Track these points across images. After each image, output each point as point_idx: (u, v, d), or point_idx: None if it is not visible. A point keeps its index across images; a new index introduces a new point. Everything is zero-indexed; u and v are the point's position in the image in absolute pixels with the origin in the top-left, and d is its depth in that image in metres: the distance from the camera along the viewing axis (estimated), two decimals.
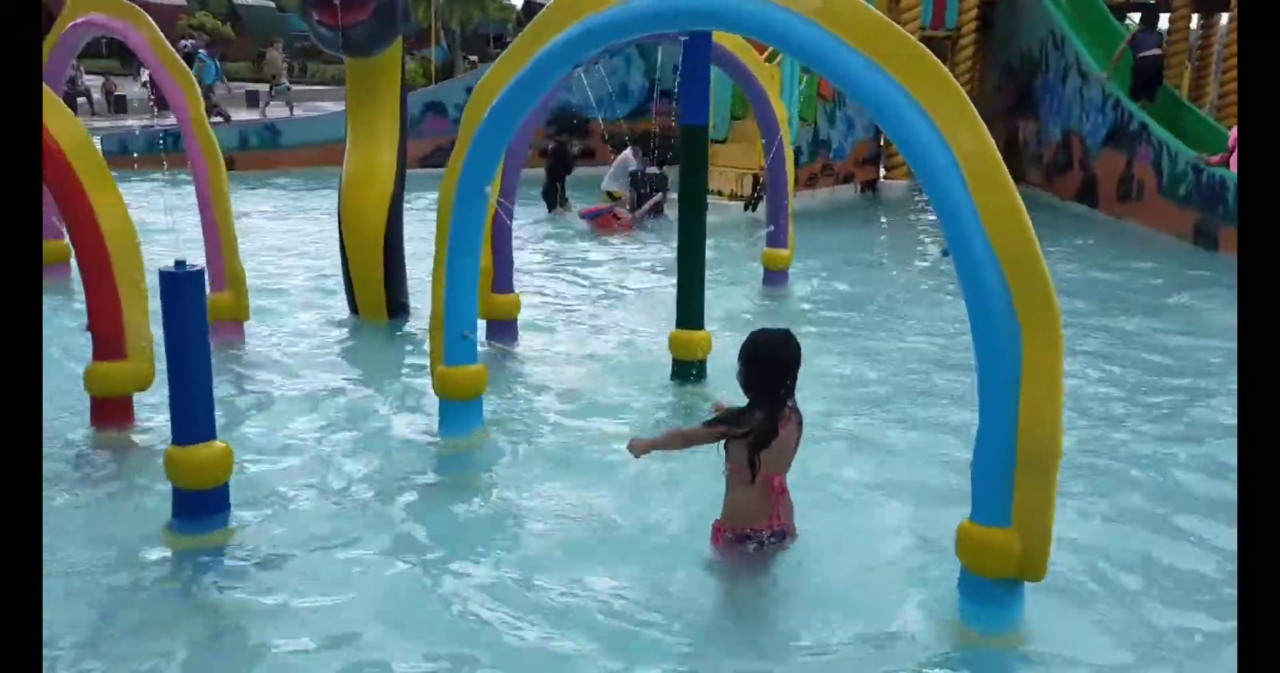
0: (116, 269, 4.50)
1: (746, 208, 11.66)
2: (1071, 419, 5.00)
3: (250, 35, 58.76)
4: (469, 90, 15.35)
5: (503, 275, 6.25)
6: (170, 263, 3.50)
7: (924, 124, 3.01)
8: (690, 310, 5.30)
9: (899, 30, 3.07)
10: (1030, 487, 2.98)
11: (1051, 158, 13.62)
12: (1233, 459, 4.63)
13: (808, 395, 3.84)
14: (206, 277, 3.56)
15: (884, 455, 4.56)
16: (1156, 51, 12.46)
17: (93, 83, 24.43)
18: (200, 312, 3.55)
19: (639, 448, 3.54)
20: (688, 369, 5.41)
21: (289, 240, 9.79)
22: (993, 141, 2.97)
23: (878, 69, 3.04)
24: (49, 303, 7.11)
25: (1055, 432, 2.92)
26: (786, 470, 3.44)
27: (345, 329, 6.63)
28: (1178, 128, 11.83)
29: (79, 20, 6.68)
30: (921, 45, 3.06)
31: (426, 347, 5.12)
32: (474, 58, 40.31)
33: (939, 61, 3.04)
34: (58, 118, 4.42)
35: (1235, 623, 3.22)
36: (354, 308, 6.79)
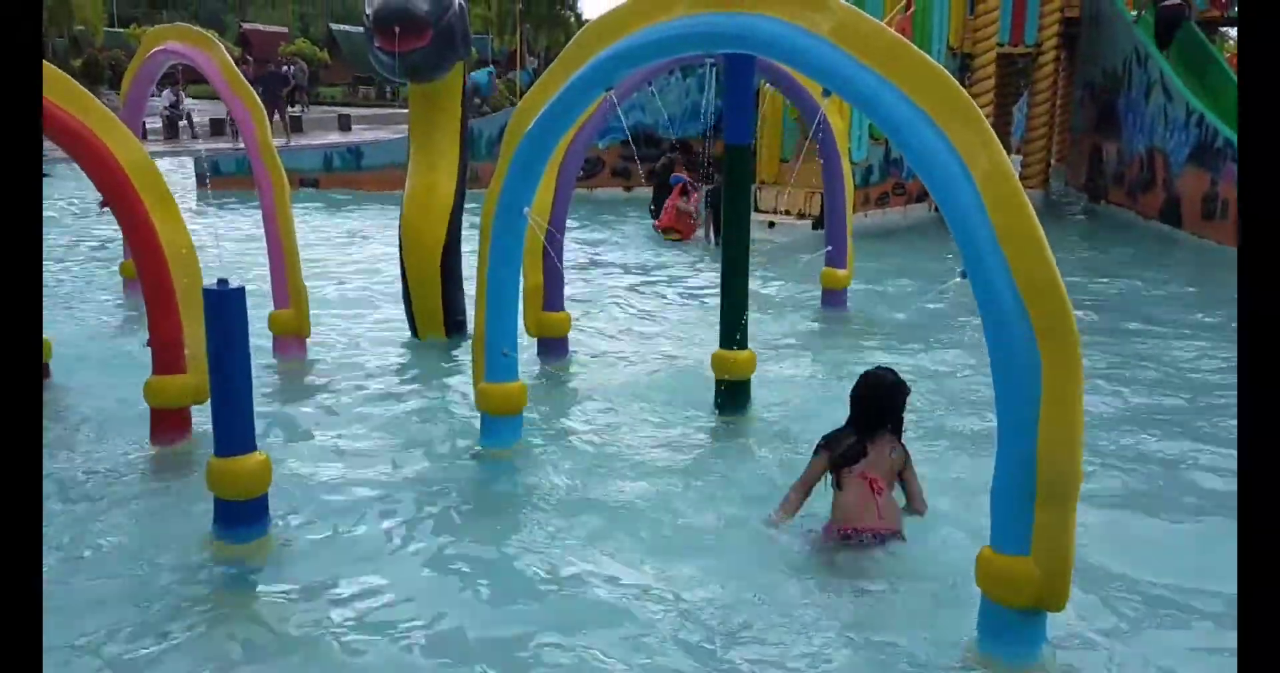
0: (177, 286, 4.69)
1: (815, 227, 11.59)
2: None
3: (346, 60, 60.65)
4: None
5: (554, 293, 6.34)
6: (214, 281, 3.65)
7: (940, 142, 2.98)
8: (733, 329, 5.30)
9: (916, 51, 3.05)
10: (1049, 515, 2.91)
11: (1135, 176, 13.23)
12: None
13: None
14: (245, 294, 3.66)
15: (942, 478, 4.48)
16: (1178, 2, 13.21)
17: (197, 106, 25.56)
18: (242, 328, 3.68)
19: (779, 520, 3.89)
20: (733, 389, 5.39)
21: (359, 259, 10.06)
22: (1008, 160, 2.93)
23: (894, 89, 3.02)
24: (123, 317, 7.48)
25: (1074, 460, 2.84)
26: (887, 479, 3.80)
27: (403, 346, 6.79)
28: (1216, 100, 11.97)
29: (157, 49, 7.02)
30: (939, 66, 3.04)
31: None
32: None
33: (956, 83, 3.01)
34: (121, 142, 4.64)
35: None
36: (413, 327, 6.94)
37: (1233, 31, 19.98)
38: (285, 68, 30.03)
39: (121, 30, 48.50)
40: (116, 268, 8.50)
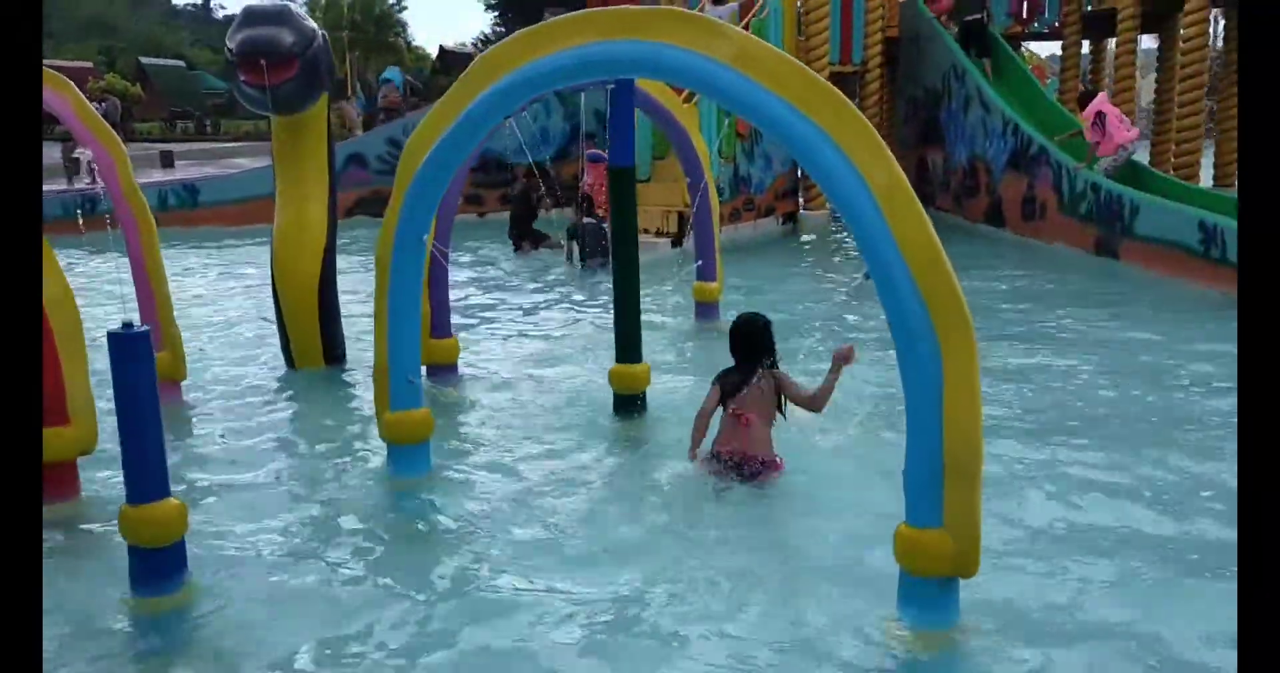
0: (57, 335, 4.51)
1: (674, 244, 11.93)
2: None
3: (160, 95, 57.96)
4: (389, 141, 15.53)
5: (440, 320, 6.36)
6: (118, 324, 3.56)
7: (840, 160, 3.23)
8: (629, 345, 5.47)
9: (812, 74, 3.31)
10: (958, 489, 3.19)
11: (959, 183, 14.20)
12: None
13: None
14: (150, 336, 3.59)
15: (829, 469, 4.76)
16: (979, 16, 14.44)
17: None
18: (150, 371, 3.60)
19: (692, 454, 4.68)
20: (630, 402, 5.56)
21: (213, 297, 9.75)
22: (903, 174, 3.21)
23: (795, 111, 3.27)
24: None
25: (976, 437, 3.13)
26: (760, 416, 4.55)
27: (283, 381, 6.66)
28: (1029, 109, 13.14)
29: None
30: (833, 87, 3.30)
31: (369, 392, 5.21)
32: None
33: (850, 102, 3.28)
34: None
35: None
36: (290, 360, 6.81)
37: (1034, 45, 21.63)
38: (98, 104, 28.54)
39: None
40: None
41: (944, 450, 3.18)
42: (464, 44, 52.06)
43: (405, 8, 40.11)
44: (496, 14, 52.57)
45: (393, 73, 24.34)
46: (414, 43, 42.99)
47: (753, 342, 4.63)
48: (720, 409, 4.65)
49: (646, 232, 12.10)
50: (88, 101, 6.05)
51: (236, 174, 17.24)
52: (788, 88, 3.25)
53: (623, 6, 3.58)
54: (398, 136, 15.33)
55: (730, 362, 4.72)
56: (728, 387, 4.61)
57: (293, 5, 6.46)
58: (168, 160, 26.71)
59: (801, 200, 15.10)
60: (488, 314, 8.91)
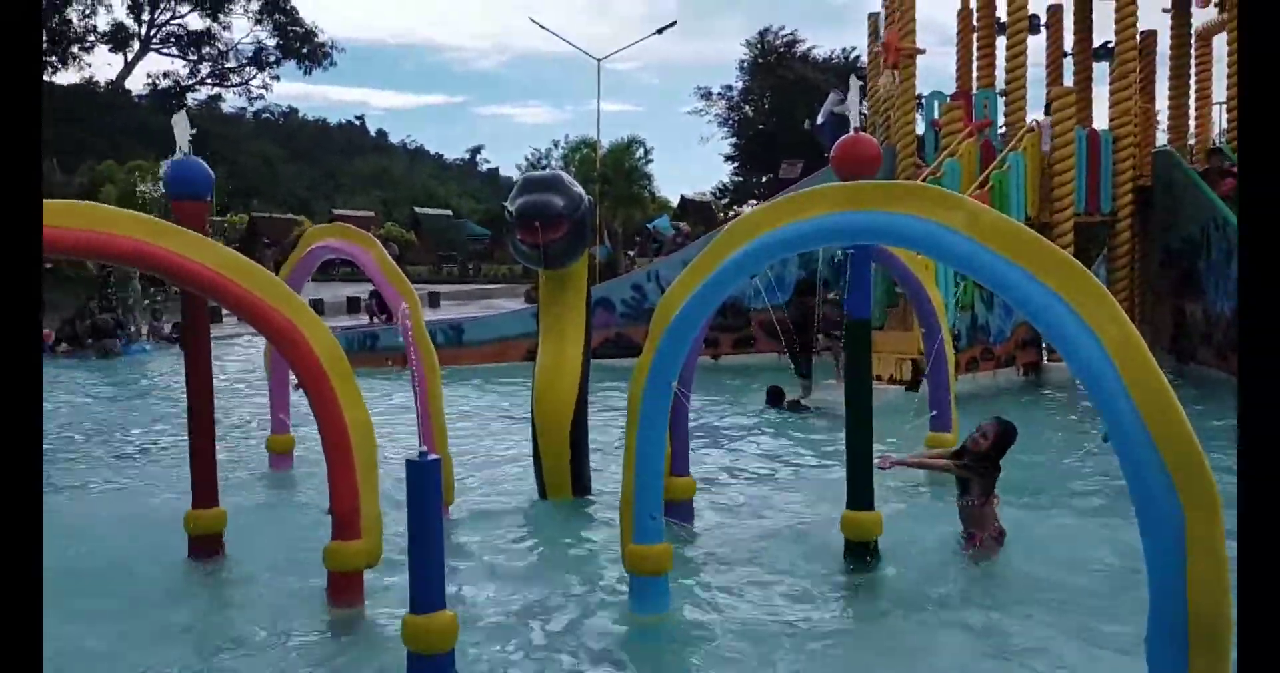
0: (358, 459, 5.20)
1: (909, 389, 11.91)
2: None
3: (429, 240, 63.69)
4: (634, 287, 16.42)
5: (680, 458, 6.73)
6: (415, 453, 4.13)
7: (1072, 319, 3.39)
8: (860, 491, 5.60)
9: (1042, 240, 3.52)
10: (1205, 660, 3.12)
11: (1223, 336, 13.40)
12: None
13: None
14: (440, 465, 4.14)
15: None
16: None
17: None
18: (437, 496, 4.13)
19: (887, 463, 5.80)
20: (861, 549, 5.65)
21: (474, 428, 10.62)
22: (1136, 330, 3.32)
23: (1027, 274, 3.48)
24: (282, 492, 8.02)
25: (1224, 603, 3.08)
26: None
27: (535, 509, 7.19)
28: None
29: (318, 244, 7.87)
30: (1063, 252, 3.50)
31: (609, 524, 5.61)
32: (632, 253, 42.72)
33: (1080, 264, 3.46)
34: (316, 333, 5.25)
35: None
36: (541, 490, 7.36)
37: None
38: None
39: (219, 218, 52.11)
40: (262, 443, 9.09)
41: (1189, 617, 3.14)
42: (703, 193, 54.68)
43: (651, 160, 42.69)
44: (735, 164, 55.09)
45: (662, 221, 26.18)
46: (659, 194, 45.51)
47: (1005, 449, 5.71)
48: (977, 497, 5.71)
49: (879, 378, 12.18)
50: (388, 255, 7.04)
51: (496, 316, 18.78)
52: (1021, 254, 3.47)
53: (859, 182, 3.96)
54: (641, 282, 16.32)
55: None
56: (990, 480, 5.71)
57: (564, 174, 7.30)
58: (435, 300, 29.38)
59: (1045, 351, 14.67)
60: (721, 453, 9.21)
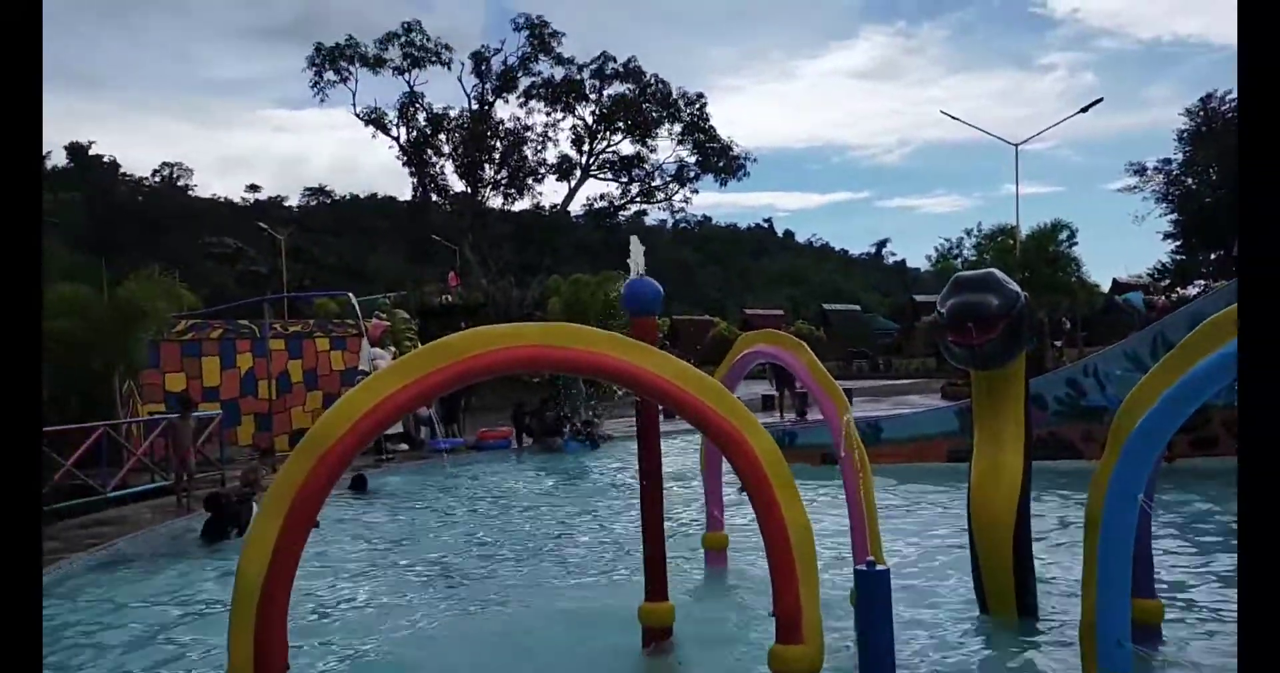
0: (798, 561, 5.29)
1: None
2: None
3: (838, 335, 64.32)
4: (1069, 382, 15.26)
5: (1143, 578, 6.08)
6: (864, 564, 4.15)
7: None
8: None
9: None
10: None
11: None
12: None
13: None
14: (890, 575, 4.11)
15: None
16: None
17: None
18: (887, 604, 4.10)
19: None
20: None
21: (905, 531, 10.35)
22: None
23: None
24: (717, 587, 8.31)
25: None
26: None
27: (975, 627, 6.82)
28: None
29: (750, 350, 8.26)
30: None
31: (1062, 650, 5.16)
32: (1058, 343, 40.02)
33: None
34: (756, 435, 5.48)
35: None
36: (982, 604, 6.98)
37: None
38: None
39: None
40: (698, 540, 9.52)
41: None
42: (1139, 276, 50.16)
43: (1076, 242, 40.12)
44: (1177, 243, 50.14)
45: (1135, 295, 24.93)
46: (1088, 279, 42.45)
47: None
48: None
49: None
50: (818, 361, 7.21)
51: (914, 413, 18.39)
52: None
53: None
54: (1077, 377, 15.20)
55: None
56: None
57: (997, 271, 7.07)
58: (848, 397, 29.39)
59: None
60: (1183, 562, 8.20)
